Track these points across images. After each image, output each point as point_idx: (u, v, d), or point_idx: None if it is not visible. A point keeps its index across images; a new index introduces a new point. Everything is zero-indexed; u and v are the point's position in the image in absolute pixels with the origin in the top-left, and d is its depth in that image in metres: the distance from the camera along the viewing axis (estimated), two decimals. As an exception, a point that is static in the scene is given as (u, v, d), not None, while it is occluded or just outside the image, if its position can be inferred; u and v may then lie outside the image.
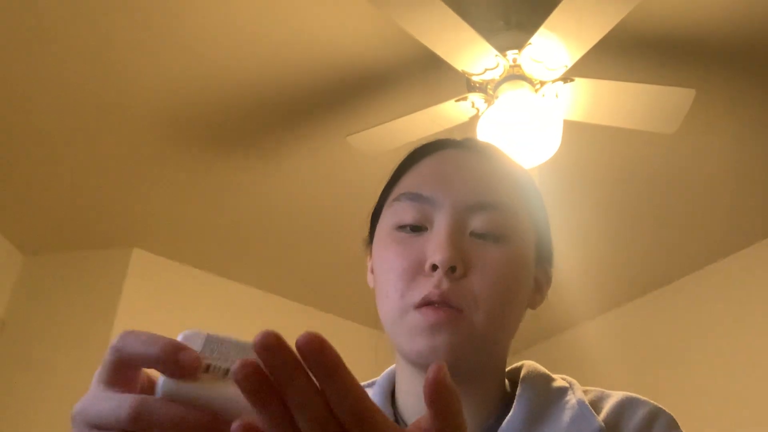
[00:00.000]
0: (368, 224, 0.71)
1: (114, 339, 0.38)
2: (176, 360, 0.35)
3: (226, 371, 0.36)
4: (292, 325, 3.23)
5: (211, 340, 0.37)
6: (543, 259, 0.68)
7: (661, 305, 3.03)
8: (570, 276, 2.82)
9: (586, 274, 2.90)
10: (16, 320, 2.88)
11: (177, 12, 1.93)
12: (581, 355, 3.15)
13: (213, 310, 3.09)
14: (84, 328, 2.80)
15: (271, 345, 0.32)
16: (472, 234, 0.62)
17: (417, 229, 0.63)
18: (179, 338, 0.37)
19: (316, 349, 0.32)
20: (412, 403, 0.64)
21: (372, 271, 0.68)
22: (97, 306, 2.85)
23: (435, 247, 0.60)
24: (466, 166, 0.66)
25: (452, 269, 0.59)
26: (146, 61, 2.09)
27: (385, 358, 0.70)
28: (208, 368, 0.36)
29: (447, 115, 1.97)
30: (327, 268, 3.06)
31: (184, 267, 3.07)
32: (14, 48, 2.04)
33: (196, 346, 0.37)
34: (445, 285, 0.58)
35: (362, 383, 0.71)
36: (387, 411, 0.65)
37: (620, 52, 2.00)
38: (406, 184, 0.66)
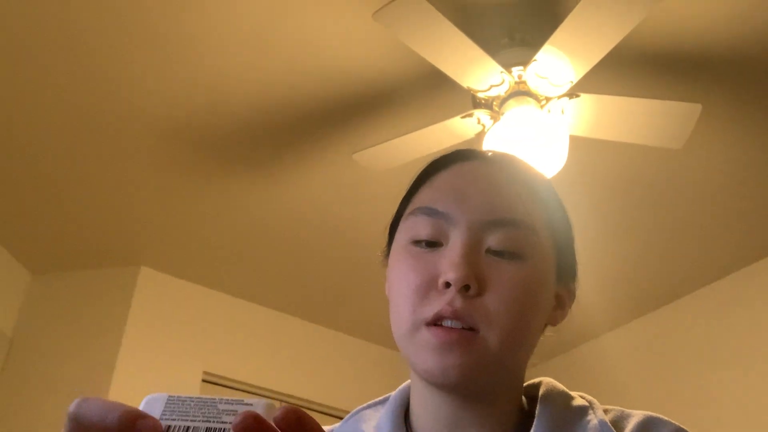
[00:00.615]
0: (386, 236, 0.69)
1: (71, 405, 0.38)
2: (134, 430, 0.36)
3: (186, 429, 0.37)
4: (302, 343, 3.22)
5: (171, 401, 0.38)
6: (565, 275, 0.66)
7: (678, 317, 3.01)
8: (587, 289, 2.80)
9: (603, 287, 2.89)
10: (23, 339, 2.88)
11: (181, 23, 1.95)
12: (599, 368, 3.13)
13: (221, 329, 3.08)
14: (92, 347, 2.80)
15: (250, 427, 0.34)
16: (489, 251, 0.60)
17: (432, 244, 0.61)
18: (141, 405, 0.38)
19: (294, 423, 0.34)
20: (426, 420, 0.63)
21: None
22: (104, 325, 2.85)
23: (449, 265, 0.58)
24: (484, 180, 0.64)
25: (466, 288, 0.58)
26: (154, 80, 2.10)
27: (403, 380, 0.69)
28: (168, 430, 0.37)
29: (453, 131, 1.97)
30: (336, 286, 3.05)
31: (193, 285, 3.07)
32: (18, 63, 2.06)
33: (157, 409, 0.38)
34: (459, 303, 0.57)
35: (374, 400, 0.71)
36: (400, 428, 0.64)
37: (625, 68, 2.01)
38: (422, 198, 0.65)
